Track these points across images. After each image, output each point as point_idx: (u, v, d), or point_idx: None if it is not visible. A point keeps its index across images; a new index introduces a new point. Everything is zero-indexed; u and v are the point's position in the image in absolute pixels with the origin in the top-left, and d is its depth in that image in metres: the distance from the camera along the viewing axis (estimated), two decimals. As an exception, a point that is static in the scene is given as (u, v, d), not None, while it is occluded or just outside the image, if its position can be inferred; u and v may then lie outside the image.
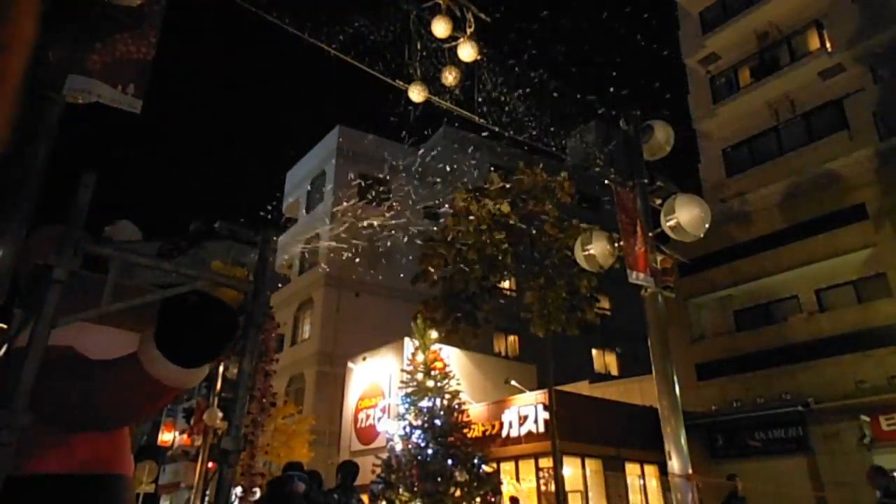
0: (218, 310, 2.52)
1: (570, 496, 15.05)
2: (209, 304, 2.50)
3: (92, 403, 2.50)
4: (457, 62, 6.02)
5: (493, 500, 12.66)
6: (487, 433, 16.81)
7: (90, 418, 2.55)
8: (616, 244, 5.38)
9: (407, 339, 18.13)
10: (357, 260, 23.15)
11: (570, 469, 15.64)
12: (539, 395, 16.40)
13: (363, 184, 26.92)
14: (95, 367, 2.54)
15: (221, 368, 11.48)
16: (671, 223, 4.99)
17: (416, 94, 6.06)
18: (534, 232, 15.29)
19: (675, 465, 4.52)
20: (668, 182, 5.55)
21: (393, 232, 22.15)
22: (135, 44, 2.77)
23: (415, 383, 13.53)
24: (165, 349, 2.43)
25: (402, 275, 20.01)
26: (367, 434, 20.34)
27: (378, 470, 13.05)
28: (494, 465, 14.45)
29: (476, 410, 17.14)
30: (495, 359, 23.24)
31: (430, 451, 12.59)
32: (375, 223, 23.57)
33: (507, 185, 15.62)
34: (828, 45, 17.85)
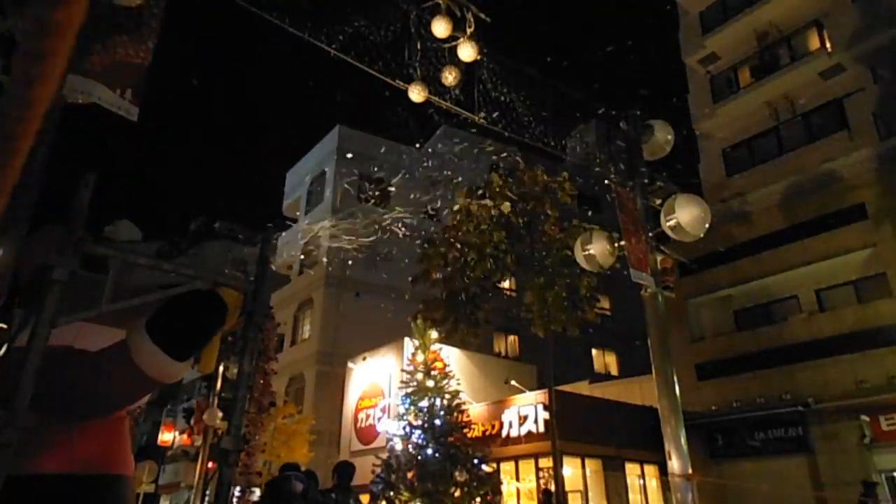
0: (205, 297, 2.53)
1: (570, 496, 15.05)
2: (196, 292, 2.52)
3: (84, 391, 2.51)
4: (457, 62, 6.02)
5: (492, 500, 12.66)
6: (487, 433, 16.81)
7: (78, 406, 2.56)
8: (616, 244, 5.39)
9: (407, 339, 18.13)
10: (357, 260, 23.16)
11: (570, 469, 15.64)
12: (539, 395, 16.40)
13: (363, 184, 26.93)
14: (86, 356, 2.56)
15: (221, 368, 11.47)
16: (671, 223, 4.99)
17: (416, 94, 6.05)
18: (534, 232, 15.29)
19: (675, 465, 4.53)
20: (668, 182, 5.55)
21: (393, 232, 22.16)
22: (133, 48, 2.77)
23: (415, 383, 13.53)
24: (154, 335, 2.44)
25: (402, 275, 19.99)
26: (367, 434, 20.35)
27: (378, 470, 13.05)
28: (494, 465, 14.44)
29: (476, 410, 17.14)
30: (495, 359, 23.24)
31: (429, 451, 12.58)
32: (375, 223, 23.57)
33: (507, 185, 15.62)
34: (828, 45, 17.84)
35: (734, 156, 19.79)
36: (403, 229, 21.18)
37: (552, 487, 13.97)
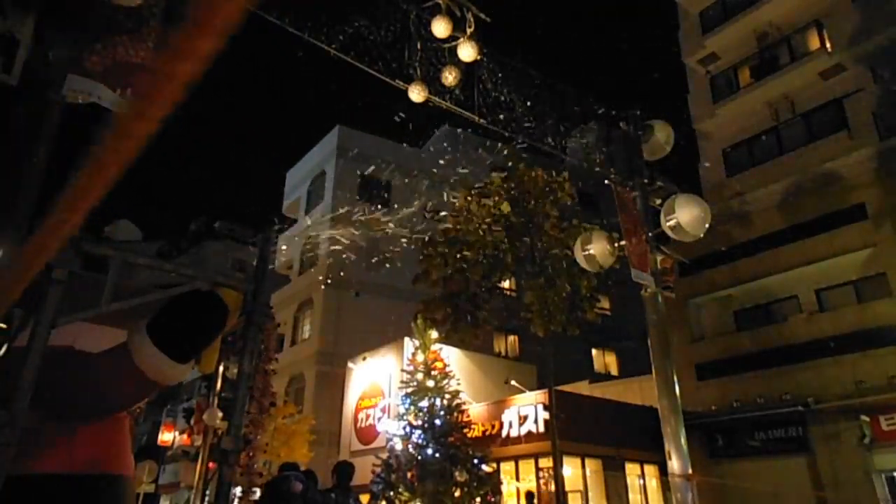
0: (205, 297, 2.54)
1: (570, 496, 15.05)
2: (197, 294, 2.52)
3: (85, 393, 2.51)
4: (457, 62, 6.02)
5: (492, 500, 12.66)
6: (487, 433, 16.81)
7: (79, 407, 2.55)
8: (616, 244, 5.38)
9: (407, 339, 18.14)
10: (357, 260, 23.18)
11: (570, 469, 15.63)
12: (539, 395, 16.40)
13: (363, 184, 26.93)
14: (88, 357, 2.56)
15: (221, 368, 11.45)
16: (671, 223, 4.98)
17: (416, 94, 6.05)
18: (534, 232, 15.28)
19: (674, 465, 4.52)
20: (668, 182, 5.55)
21: (393, 231, 22.16)
22: (133, 47, 2.76)
23: (415, 383, 13.53)
24: (155, 337, 2.45)
25: (402, 275, 20.00)
26: (367, 434, 20.34)
27: (378, 470, 13.05)
28: (494, 465, 14.45)
29: (476, 410, 17.14)
30: (495, 359, 23.23)
31: (430, 451, 12.59)
32: (375, 223, 23.60)
33: (508, 185, 15.61)
34: (828, 45, 17.84)
35: (734, 156, 19.78)
36: (403, 229, 21.18)
37: (552, 488, 13.98)
